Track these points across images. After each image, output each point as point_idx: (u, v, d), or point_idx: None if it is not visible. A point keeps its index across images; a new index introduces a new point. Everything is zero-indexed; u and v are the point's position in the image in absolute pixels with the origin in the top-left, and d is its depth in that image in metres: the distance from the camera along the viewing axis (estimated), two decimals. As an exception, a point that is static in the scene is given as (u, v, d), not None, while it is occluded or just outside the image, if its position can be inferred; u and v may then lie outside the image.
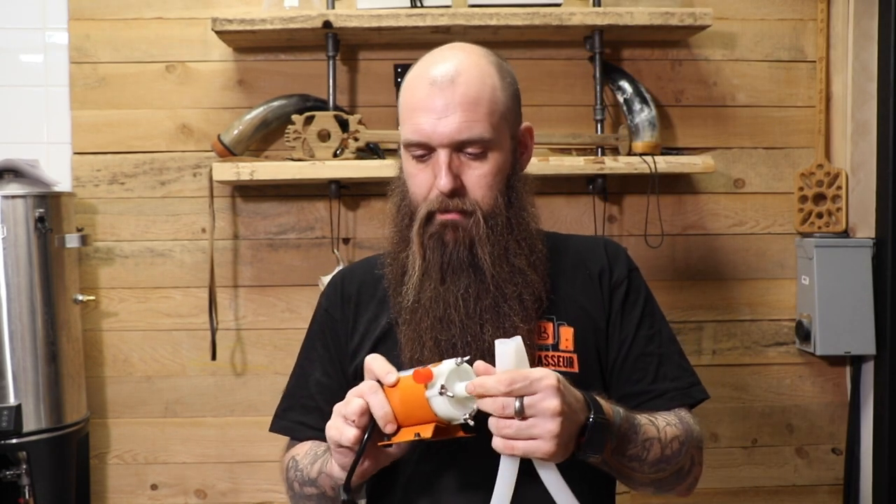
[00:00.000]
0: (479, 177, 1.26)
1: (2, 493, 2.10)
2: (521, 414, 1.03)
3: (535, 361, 1.27)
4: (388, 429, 1.07)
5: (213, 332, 2.29)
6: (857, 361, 2.38)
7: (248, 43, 2.29)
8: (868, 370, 2.36)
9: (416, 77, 1.29)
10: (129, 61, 2.32)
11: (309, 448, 1.34)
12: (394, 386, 1.09)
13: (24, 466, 2.05)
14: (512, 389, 1.04)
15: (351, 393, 1.13)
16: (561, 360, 1.30)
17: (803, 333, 2.34)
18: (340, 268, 1.50)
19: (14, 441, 2.03)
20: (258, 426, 2.34)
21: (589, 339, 1.32)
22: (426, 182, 1.27)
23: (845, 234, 2.38)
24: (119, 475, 2.35)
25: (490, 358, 1.09)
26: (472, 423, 1.05)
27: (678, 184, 2.39)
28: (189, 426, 2.36)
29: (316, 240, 2.36)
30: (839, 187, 2.37)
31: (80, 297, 2.20)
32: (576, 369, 1.29)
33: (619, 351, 1.34)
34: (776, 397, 2.43)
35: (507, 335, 1.21)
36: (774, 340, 2.43)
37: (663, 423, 1.25)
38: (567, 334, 1.31)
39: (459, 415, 1.04)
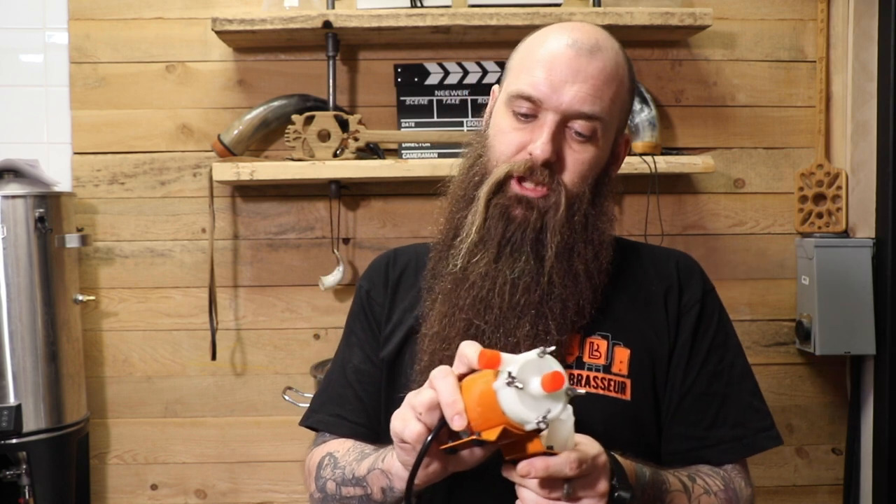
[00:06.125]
0: (577, 161, 1.14)
1: (2, 493, 2.10)
2: (569, 497, 0.91)
3: (573, 380, 1.15)
4: (456, 423, 0.88)
5: (213, 332, 2.29)
6: (857, 361, 2.38)
7: (248, 43, 2.29)
8: (868, 370, 2.36)
9: (551, 34, 1.16)
10: (129, 61, 2.32)
11: (352, 446, 1.20)
12: (467, 374, 0.93)
13: (24, 466, 2.05)
14: (581, 472, 0.90)
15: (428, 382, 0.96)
16: (612, 384, 1.16)
17: (803, 333, 2.34)
18: (376, 257, 1.36)
19: (14, 441, 2.03)
20: (258, 426, 2.34)
21: (646, 365, 1.18)
22: (517, 141, 1.14)
23: (845, 234, 2.38)
24: (119, 475, 2.35)
25: None
26: (545, 426, 0.87)
27: (678, 184, 2.39)
28: (189, 426, 2.36)
29: (316, 240, 2.36)
30: (839, 187, 2.37)
31: (80, 297, 2.20)
32: (628, 397, 1.16)
33: (680, 386, 1.19)
34: (776, 397, 2.43)
35: (539, 340, 1.10)
36: (774, 340, 2.43)
37: (700, 490, 1.11)
38: (622, 356, 1.17)
39: (531, 416, 0.86)
